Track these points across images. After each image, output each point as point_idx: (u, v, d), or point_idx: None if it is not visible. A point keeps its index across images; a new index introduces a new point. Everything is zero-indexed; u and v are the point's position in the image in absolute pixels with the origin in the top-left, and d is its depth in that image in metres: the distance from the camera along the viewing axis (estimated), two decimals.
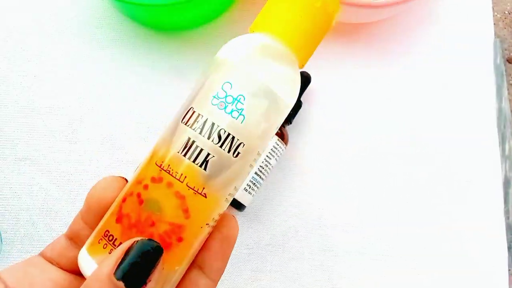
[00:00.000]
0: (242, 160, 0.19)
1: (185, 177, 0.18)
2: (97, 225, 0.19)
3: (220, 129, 0.18)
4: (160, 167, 0.18)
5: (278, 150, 0.35)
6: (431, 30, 0.41)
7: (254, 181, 0.34)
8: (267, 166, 0.34)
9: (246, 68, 0.19)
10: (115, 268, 0.15)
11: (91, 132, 0.36)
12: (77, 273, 0.20)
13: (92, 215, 0.20)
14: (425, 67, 0.41)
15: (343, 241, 0.37)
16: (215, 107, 0.18)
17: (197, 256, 0.19)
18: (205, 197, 0.18)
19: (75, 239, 0.20)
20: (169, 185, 0.18)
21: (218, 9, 0.38)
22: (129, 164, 0.36)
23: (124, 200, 0.18)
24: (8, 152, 0.36)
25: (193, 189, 0.18)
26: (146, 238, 0.16)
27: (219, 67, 0.19)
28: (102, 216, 0.19)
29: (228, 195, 0.19)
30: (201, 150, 0.18)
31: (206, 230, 0.19)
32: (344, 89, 0.40)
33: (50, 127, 0.36)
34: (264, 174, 0.34)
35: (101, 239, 0.18)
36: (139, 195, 0.18)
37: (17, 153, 0.35)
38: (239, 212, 0.36)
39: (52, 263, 0.20)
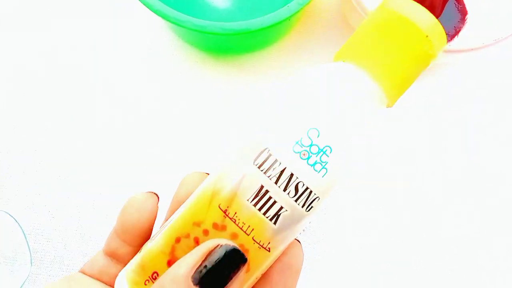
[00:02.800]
0: (312, 213, 0.17)
1: (252, 229, 0.16)
2: (136, 242, 0.18)
3: (299, 182, 0.16)
4: (224, 212, 0.16)
5: None
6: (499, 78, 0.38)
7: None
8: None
9: (338, 115, 0.16)
10: (194, 271, 0.14)
11: (133, 155, 0.35)
12: None
13: (129, 235, 0.19)
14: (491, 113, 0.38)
15: None
16: (297, 156, 0.16)
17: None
18: (269, 251, 0.16)
19: (115, 257, 0.19)
20: (234, 236, 0.16)
21: (273, 38, 0.36)
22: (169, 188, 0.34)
23: (178, 240, 0.16)
24: (47, 168, 0.34)
25: (258, 243, 0.16)
26: (231, 244, 0.15)
27: (306, 104, 0.17)
28: (140, 235, 0.18)
29: (287, 245, 0.17)
30: (274, 202, 0.16)
31: (258, 278, 0.17)
32: (403, 129, 0.37)
33: (92, 146, 0.35)
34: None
35: (148, 280, 0.16)
36: (197, 240, 0.16)
37: (55, 170, 0.34)
38: None
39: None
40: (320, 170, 0.16)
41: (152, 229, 0.20)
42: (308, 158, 0.16)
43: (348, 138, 0.16)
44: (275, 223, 0.16)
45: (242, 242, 0.16)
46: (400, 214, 0.35)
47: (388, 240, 0.35)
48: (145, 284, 0.16)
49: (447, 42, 0.37)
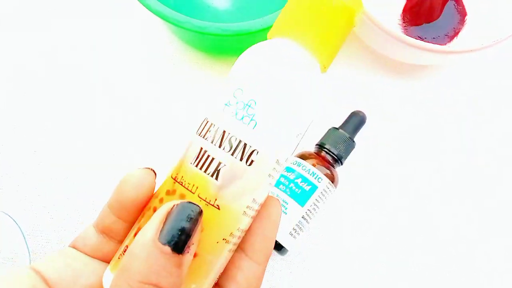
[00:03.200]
0: (257, 169, 0.17)
1: (197, 187, 0.17)
2: (132, 219, 0.18)
3: (231, 137, 0.17)
4: (174, 179, 0.17)
5: (327, 194, 0.32)
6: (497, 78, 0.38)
7: (300, 225, 0.31)
8: (315, 210, 0.32)
9: (258, 73, 0.18)
10: (159, 233, 0.15)
11: (133, 156, 0.35)
12: None
13: (125, 211, 0.18)
14: (490, 113, 0.38)
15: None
16: (226, 115, 0.17)
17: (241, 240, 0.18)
18: (218, 208, 0.17)
19: (109, 233, 0.19)
20: (182, 196, 0.17)
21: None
22: None
23: (143, 215, 0.18)
24: (47, 169, 0.34)
25: (204, 200, 0.17)
26: (186, 201, 0.16)
27: (232, 76, 0.18)
28: (137, 211, 0.18)
29: (247, 207, 0.18)
30: (212, 159, 0.17)
31: (226, 247, 0.17)
32: (401, 131, 0.37)
33: (92, 147, 0.35)
34: (310, 218, 0.32)
35: (122, 254, 0.17)
36: (154, 209, 0.17)
37: (55, 171, 0.34)
38: (281, 257, 0.33)
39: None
40: (249, 122, 0.17)
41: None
42: (236, 114, 0.17)
43: (271, 90, 0.17)
44: (216, 178, 0.17)
45: (190, 201, 0.17)
46: (397, 215, 0.35)
47: (386, 241, 0.35)
48: (119, 259, 0.17)
49: (447, 43, 0.37)
